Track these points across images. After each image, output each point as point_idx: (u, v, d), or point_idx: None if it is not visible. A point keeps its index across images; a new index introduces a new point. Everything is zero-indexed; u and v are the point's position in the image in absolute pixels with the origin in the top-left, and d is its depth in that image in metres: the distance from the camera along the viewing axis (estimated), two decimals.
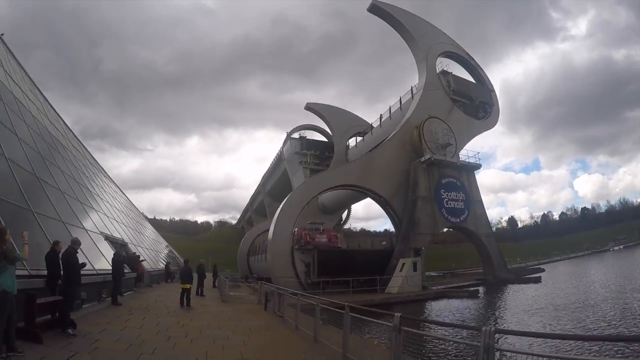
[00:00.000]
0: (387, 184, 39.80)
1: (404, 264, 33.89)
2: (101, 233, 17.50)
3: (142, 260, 23.66)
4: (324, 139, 63.31)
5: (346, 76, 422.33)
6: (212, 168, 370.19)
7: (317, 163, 58.03)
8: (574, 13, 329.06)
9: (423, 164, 38.88)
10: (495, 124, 50.70)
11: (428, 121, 41.19)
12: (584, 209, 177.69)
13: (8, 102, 14.66)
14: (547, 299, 25.78)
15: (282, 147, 63.41)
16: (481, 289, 35.19)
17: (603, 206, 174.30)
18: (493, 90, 52.36)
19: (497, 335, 4.49)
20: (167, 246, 55.59)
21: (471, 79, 51.78)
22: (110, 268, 14.64)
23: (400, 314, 5.99)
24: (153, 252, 31.11)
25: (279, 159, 67.62)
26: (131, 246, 23.53)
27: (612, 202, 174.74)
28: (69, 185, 16.92)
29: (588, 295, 25.15)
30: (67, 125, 30.07)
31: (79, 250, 9.40)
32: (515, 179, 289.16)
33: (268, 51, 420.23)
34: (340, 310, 8.53)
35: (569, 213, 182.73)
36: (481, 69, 52.74)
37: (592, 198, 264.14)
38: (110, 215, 23.23)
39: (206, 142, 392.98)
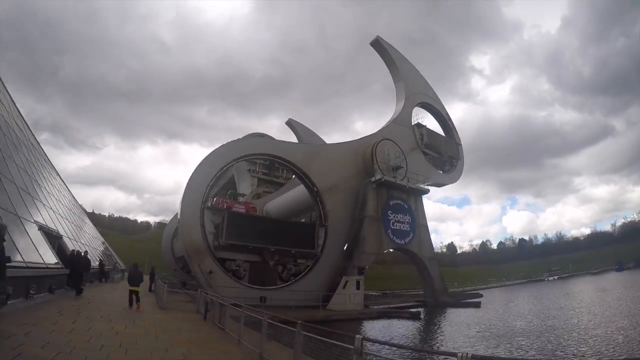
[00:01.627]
0: (325, 178, 38.65)
1: (347, 281, 33.88)
2: (35, 222, 16.27)
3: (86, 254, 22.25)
4: None
5: (286, 111, 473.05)
6: (161, 174, 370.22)
7: (265, 172, 57.45)
8: (495, 81, 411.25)
9: (373, 183, 39.14)
10: (458, 178, 54.30)
11: (382, 142, 41.73)
12: (521, 239, 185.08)
13: None
14: (488, 324, 26.53)
15: None
16: (422, 311, 35.59)
17: (540, 238, 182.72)
18: (460, 144, 55.85)
19: None
20: (103, 242, 52.91)
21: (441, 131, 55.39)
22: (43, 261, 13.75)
23: (362, 336, 5.66)
24: (90, 248, 29.30)
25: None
26: (66, 239, 22.09)
27: (549, 235, 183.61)
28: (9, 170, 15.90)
29: (529, 323, 25.88)
30: (22, 117, 29.63)
31: (5, 239, 8.13)
32: (447, 210, 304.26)
33: (214, 83, 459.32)
34: (288, 327, 8.16)
35: (506, 243, 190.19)
36: (452, 122, 56.35)
37: (520, 233, 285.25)
38: (48, 205, 21.82)
39: (156, 150, 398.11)
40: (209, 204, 33.72)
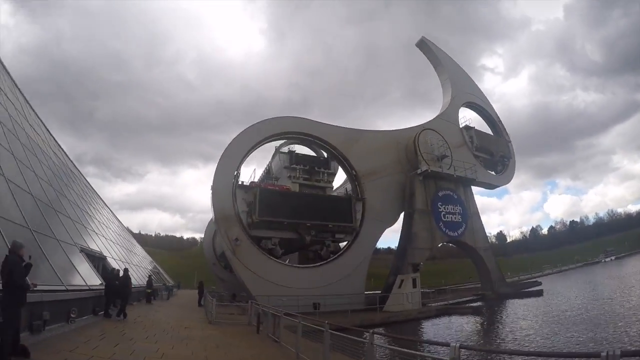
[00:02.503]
0: (364, 163, 37.15)
1: (402, 280, 32.50)
2: (75, 244, 15.73)
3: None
4: (312, 153, 61.66)
5: None
6: (202, 194, 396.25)
7: (306, 178, 56.14)
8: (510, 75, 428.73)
9: (420, 175, 37.46)
10: (512, 178, 51.94)
11: (424, 132, 40.03)
12: (572, 221, 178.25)
13: (25, 143, 17.01)
14: (561, 313, 24.86)
15: (271, 162, 61.58)
16: (482, 305, 33.87)
17: (592, 219, 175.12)
18: (510, 141, 53.46)
19: None
20: (151, 262, 53.26)
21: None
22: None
23: (459, 344, 4.50)
24: (133, 266, 29.09)
25: (268, 174, 65.51)
26: (110, 260, 21.66)
27: (601, 215, 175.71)
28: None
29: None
30: (66, 154, 31.28)
31: (27, 260, 7.00)
32: (486, 202, 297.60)
33: (239, 111, 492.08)
34: (352, 337, 6.90)
35: (557, 227, 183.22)
36: (500, 121, 53.91)
37: (564, 217, 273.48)
38: (90, 227, 21.58)
39: (197, 172, 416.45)
40: (241, 183, 32.82)
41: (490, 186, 48.95)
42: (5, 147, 13.44)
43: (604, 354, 3.45)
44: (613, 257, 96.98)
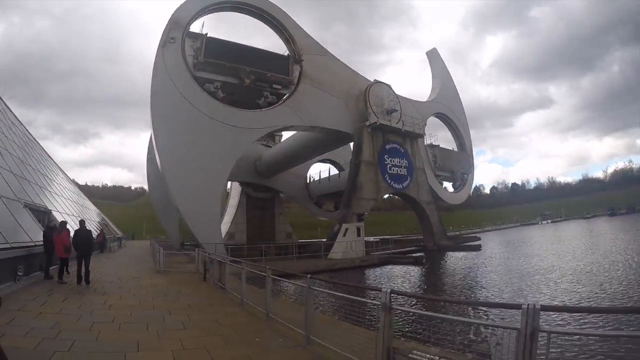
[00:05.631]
0: (317, 74, 37.86)
1: (347, 229, 33.49)
2: (19, 199, 15.37)
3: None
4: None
5: None
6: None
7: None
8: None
9: (368, 127, 38.04)
10: (468, 195, 55.46)
11: (375, 85, 40.30)
12: (514, 184, 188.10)
13: None
14: (493, 265, 26.94)
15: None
16: (423, 256, 35.63)
17: (533, 183, 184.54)
18: (472, 156, 57.25)
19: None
20: (99, 213, 52.09)
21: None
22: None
23: (389, 289, 4.94)
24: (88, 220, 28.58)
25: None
26: (56, 214, 21.24)
27: (541, 180, 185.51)
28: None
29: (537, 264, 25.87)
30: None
31: None
32: None
33: None
34: (295, 282, 7.41)
35: (499, 187, 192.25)
36: (467, 135, 57.08)
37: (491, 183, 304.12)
38: (36, 183, 21.02)
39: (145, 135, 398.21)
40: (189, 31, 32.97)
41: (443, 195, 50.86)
42: None
43: (524, 306, 3.62)
44: (549, 221, 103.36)
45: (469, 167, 55.33)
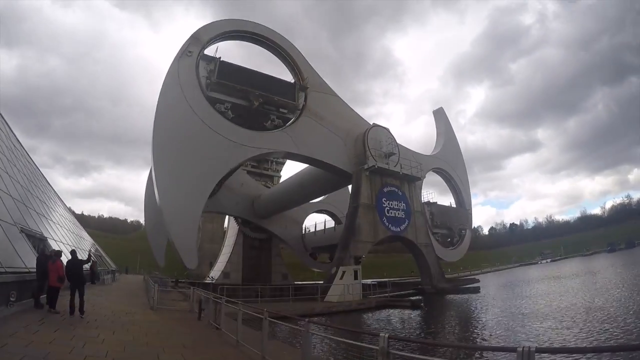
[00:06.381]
0: (318, 107, 39.63)
1: (344, 272, 33.21)
2: (15, 224, 15.30)
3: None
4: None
5: None
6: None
7: (254, 165, 57.08)
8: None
9: (366, 171, 38.37)
10: (463, 254, 54.68)
11: (373, 129, 41.01)
12: (512, 224, 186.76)
13: None
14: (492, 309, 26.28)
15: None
16: (421, 299, 35.07)
17: (531, 223, 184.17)
18: (470, 211, 56.74)
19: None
20: (93, 244, 51.54)
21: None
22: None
23: (387, 334, 4.91)
24: (83, 251, 28.33)
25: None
26: (52, 242, 21.06)
27: (540, 220, 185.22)
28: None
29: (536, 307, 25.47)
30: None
31: None
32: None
33: None
34: (291, 325, 7.39)
35: (497, 228, 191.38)
36: (468, 193, 57.39)
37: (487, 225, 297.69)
38: (33, 209, 20.91)
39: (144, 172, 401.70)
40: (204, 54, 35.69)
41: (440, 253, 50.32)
42: None
43: (519, 349, 3.62)
44: (549, 260, 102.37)
45: (467, 223, 55.28)
